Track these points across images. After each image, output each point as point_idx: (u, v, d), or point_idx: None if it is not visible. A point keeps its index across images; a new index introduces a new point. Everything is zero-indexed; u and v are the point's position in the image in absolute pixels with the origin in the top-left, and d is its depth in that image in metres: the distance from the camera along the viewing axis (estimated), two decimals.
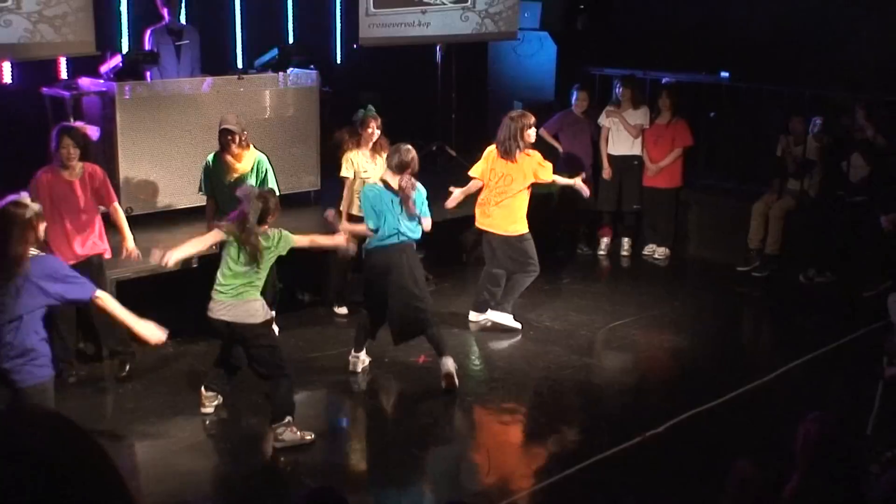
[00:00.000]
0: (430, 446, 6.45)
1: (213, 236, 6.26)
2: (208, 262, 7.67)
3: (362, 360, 7.24)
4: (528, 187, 7.94)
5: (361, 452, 6.40)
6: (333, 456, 6.30)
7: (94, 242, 6.77)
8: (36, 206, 5.06)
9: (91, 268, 6.55)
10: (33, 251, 4.96)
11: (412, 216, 6.93)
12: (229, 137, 7.19)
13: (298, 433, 6.09)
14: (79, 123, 7.17)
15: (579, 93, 9.91)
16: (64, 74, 9.48)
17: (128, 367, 7.03)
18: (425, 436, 6.54)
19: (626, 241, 10.27)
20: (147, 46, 9.10)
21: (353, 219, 7.72)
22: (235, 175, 7.21)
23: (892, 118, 9.19)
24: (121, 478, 1.59)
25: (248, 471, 6.05)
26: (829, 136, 9.36)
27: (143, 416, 6.54)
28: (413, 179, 6.97)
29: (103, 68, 8.40)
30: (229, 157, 7.27)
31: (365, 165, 7.97)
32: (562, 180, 8.34)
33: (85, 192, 6.67)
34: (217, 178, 7.31)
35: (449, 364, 6.92)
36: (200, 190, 7.52)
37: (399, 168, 6.93)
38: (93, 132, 7.04)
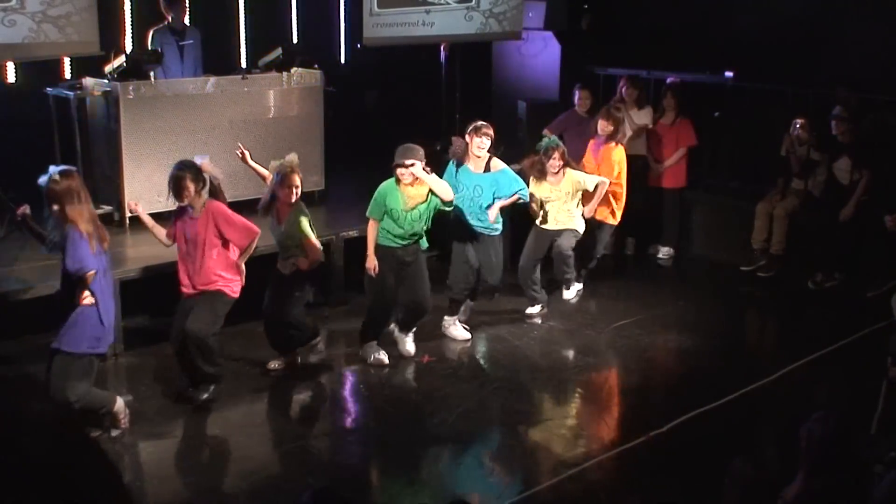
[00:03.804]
0: (433, 446, 6.44)
1: None
2: None
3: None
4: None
5: (364, 452, 6.39)
6: (336, 456, 6.30)
7: None
8: None
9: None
10: None
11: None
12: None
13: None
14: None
15: (581, 92, 9.90)
16: (68, 74, 9.50)
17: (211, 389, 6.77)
18: (428, 435, 6.53)
19: (630, 241, 10.27)
20: (150, 46, 9.11)
21: None
22: None
23: None
24: (120, 478, 1.59)
25: (251, 471, 6.05)
26: (816, 135, 9.36)
27: (145, 416, 6.53)
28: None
29: (107, 68, 8.40)
30: None
31: None
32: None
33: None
34: None
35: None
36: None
37: None
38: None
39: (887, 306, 6.59)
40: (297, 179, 6.87)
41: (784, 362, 7.45)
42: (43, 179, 5.79)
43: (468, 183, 7.83)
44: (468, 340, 7.95)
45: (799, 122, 9.37)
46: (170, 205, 6.79)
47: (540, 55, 11.87)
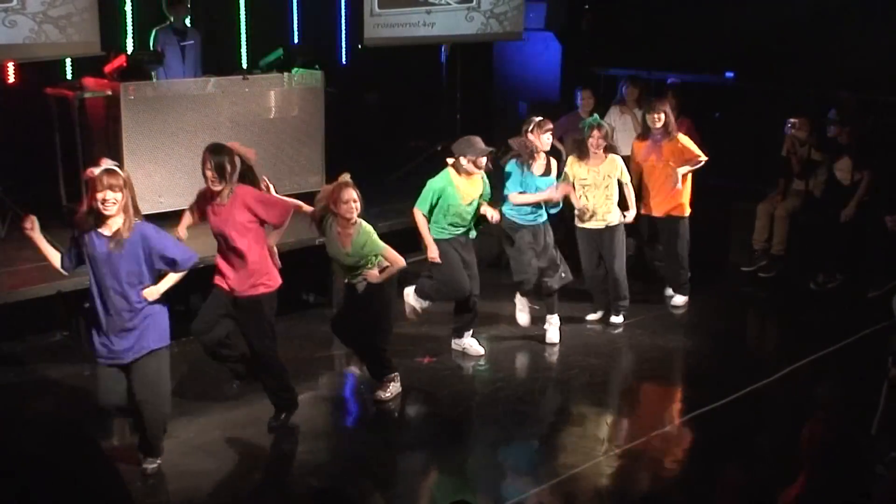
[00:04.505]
0: (435, 446, 6.44)
1: None
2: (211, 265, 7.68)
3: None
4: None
5: (365, 453, 6.38)
6: (338, 457, 6.30)
7: None
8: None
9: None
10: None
11: None
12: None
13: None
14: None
15: (583, 93, 9.88)
16: (68, 74, 9.50)
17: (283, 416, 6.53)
18: (430, 436, 6.54)
19: (630, 242, 10.23)
20: (152, 47, 9.11)
21: None
22: None
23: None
24: (121, 480, 1.59)
25: (254, 472, 6.06)
26: (817, 136, 9.35)
27: None
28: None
29: (107, 68, 8.39)
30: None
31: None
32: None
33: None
34: None
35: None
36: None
37: None
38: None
39: (888, 307, 6.60)
40: (352, 192, 6.35)
41: (785, 362, 7.45)
42: (98, 171, 5.44)
43: (532, 183, 7.70)
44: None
45: (791, 121, 9.33)
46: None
47: (541, 56, 11.87)
